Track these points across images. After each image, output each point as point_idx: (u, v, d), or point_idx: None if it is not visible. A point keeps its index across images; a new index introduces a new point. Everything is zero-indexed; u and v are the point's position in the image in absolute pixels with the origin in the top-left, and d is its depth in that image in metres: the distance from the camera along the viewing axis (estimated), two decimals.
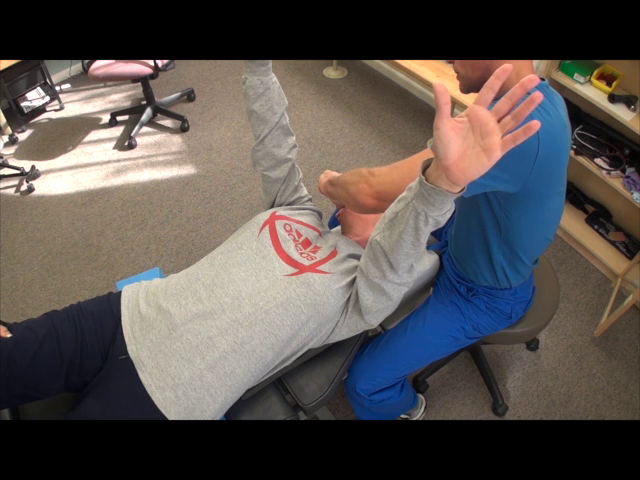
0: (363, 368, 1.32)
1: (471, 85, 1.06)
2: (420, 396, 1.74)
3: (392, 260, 0.94)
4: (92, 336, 1.04)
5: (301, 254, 1.14)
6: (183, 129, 2.92)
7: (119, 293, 1.13)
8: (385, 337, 1.36)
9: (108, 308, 1.09)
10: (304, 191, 1.37)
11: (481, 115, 0.68)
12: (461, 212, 1.21)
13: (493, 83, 0.67)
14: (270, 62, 1.17)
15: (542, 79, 1.00)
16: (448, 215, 0.83)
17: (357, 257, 1.19)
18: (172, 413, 0.97)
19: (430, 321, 1.34)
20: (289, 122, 1.27)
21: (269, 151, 1.25)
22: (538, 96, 0.65)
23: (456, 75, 1.06)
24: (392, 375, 1.33)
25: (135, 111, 2.98)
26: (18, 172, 2.61)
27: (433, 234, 1.54)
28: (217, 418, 1.05)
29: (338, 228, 1.47)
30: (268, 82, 1.18)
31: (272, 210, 1.25)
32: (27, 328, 1.03)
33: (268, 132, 1.23)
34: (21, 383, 0.98)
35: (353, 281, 1.11)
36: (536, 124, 0.65)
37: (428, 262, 1.39)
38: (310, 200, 1.38)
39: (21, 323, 1.06)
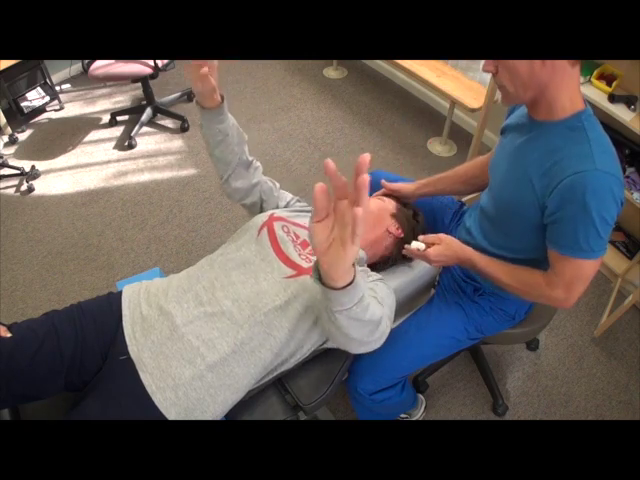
0: (364, 368, 1.32)
1: (518, 102, 1.08)
2: (420, 396, 1.74)
3: (347, 336, 0.92)
4: (92, 336, 1.04)
5: (300, 255, 1.14)
6: (183, 129, 2.92)
7: (119, 293, 1.13)
8: (386, 337, 1.36)
9: (108, 308, 1.09)
10: (288, 196, 1.38)
11: (340, 207, 0.68)
12: (512, 236, 1.18)
13: (355, 183, 0.65)
14: (225, 108, 1.15)
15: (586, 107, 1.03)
16: (357, 309, 0.82)
17: (356, 260, 1.19)
18: (172, 413, 0.97)
19: (433, 322, 1.34)
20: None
21: (236, 187, 1.27)
22: (363, 181, 0.64)
23: (498, 86, 1.03)
24: (393, 375, 1.33)
25: (135, 111, 2.97)
26: (18, 172, 2.60)
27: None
28: (217, 419, 1.05)
29: None
30: (226, 129, 1.17)
31: (270, 212, 1.25)
32: (27, 328, 1.03)
33: (231, 172, 1.24)
34: (21, 383, 0.98)
35: None
36: (365, 157, 0.65)
37: None
38: (299, 201, 1.38)
39: (21, 323, 1.06)
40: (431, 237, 1.22)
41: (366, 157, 0.65)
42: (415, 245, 1.22)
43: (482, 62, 1.02)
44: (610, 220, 0.97)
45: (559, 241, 1.03)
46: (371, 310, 0.87)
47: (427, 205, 1.49)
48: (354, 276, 0.77)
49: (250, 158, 1.28)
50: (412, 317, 1.38)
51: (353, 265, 0.77)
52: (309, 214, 1.32)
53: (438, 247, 1.20)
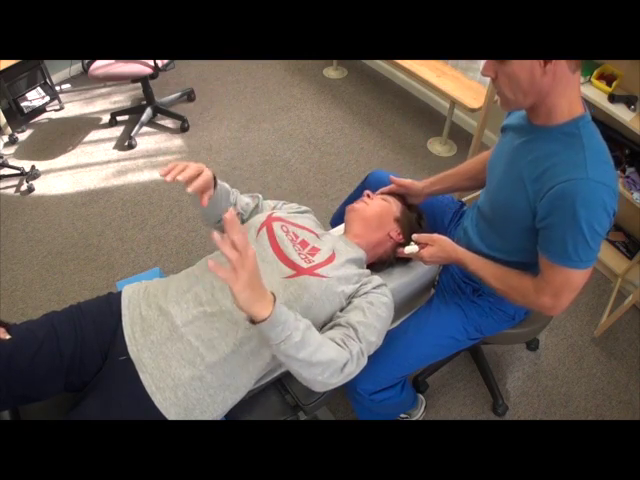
0: (364, 368, 1.32)
1: (517, 108, 1.07)
2: (420, 396, 1.74)
3: (297, 373, 0.93)
4: (92, 336, 1.04)
5: (299, 254, 1.13)
6: (183, 129, 2.92)
7: (119, 293, 1.13)
8: (386, 337, 1.36)
9: (108, 308, 1.09)
10: (272, 203, 1.35)
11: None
12: (507, 238, 1.18)
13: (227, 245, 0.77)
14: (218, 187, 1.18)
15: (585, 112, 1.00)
16: (285, 346, 0.85)
17: (356, 262, 1.19)
18: (172, 414, 0.98)
19: (432, 322, 1.34)
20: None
21: (218, 227, 1.26)
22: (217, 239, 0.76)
23: (497, 91, 1.02)
24: (393, 375, 1.33)
25: (135, 111, 2.97)
26: (18, 172, 2.60)
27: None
28: (217, 419, 1.05)
29: (338, 227, 1.47)
30: (217, 196, 1.18)
31: (268, 212, 1.25)
32: (26, 329, 1.03)
33: (215, 221, 1.24)
34: (21, 384, 0.99)
35: (349, 289, 1.12)
36: (231, 215, 0.76)
37: None
38: (285, 203, 1.36)
39: (21, 324, 1.06)
40: (424, 237, 1.22)
41: (232, 220, 0.76)
42: (409, 250, 1.23)
43: (482, 63, 1.01)
44: (601, 231, 0.96)
45: (549, 248, 1.03)
46: (309, 350, 0.88)
47: (427, 205, 1.48)
48: (271, 312, 0.82)
49: (232, 201, 1.25)
50: (411, 317, 1.38)
51: (274, 303, 0.83)
52: (304, 214, 1.33)
53: (431, 248, 1.20)
